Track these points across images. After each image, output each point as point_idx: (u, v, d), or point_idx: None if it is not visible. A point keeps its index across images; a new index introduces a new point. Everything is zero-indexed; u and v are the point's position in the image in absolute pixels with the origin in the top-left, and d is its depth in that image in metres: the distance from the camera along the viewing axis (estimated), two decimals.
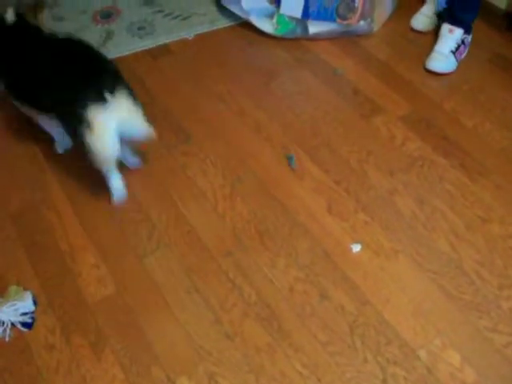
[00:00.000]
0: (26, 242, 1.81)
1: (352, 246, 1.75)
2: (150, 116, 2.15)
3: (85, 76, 1.72)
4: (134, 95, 1.77)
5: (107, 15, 2.69)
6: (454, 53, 2.31)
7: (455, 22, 2.30)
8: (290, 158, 1.96)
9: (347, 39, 2.49)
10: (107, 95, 1.66)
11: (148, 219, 1.85)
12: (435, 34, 2.39)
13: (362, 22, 2.44)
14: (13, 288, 1.68)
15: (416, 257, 1.72)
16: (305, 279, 1.68)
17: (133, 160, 1.98)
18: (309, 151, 2.03)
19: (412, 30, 2.52)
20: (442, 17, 2.36)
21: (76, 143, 1.90)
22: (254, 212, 1.85)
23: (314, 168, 1.98)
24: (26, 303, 1.63)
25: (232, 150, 2.06)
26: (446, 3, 2.40)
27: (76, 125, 1.70)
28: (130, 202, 1.90)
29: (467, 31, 2.34)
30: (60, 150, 2.08)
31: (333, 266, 1.71)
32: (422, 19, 2.50)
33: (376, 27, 2.49)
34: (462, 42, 2.33)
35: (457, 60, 2.33)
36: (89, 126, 1.66)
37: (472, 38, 2.39)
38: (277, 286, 1.67)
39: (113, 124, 1.69)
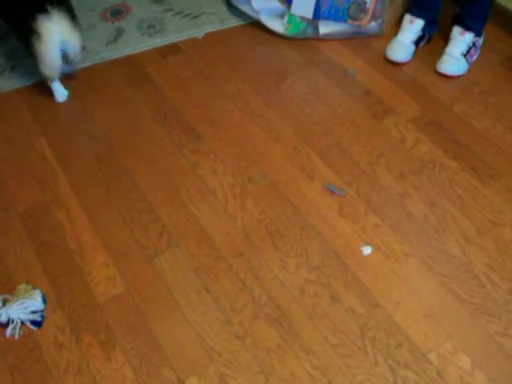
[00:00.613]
0: (36, 241, 1.81)
1: (363, 248, 1.75)
2: (160, 115, 2.18)
3: None
4: (73, 14, 2.08)
5: (117, 12, 2.69)
6: (465, 56, 2.30)
7: (466, 28, 2.30)
8: (331, 188, 1.91)
9: (358, 40, 2.48)
10: (49, 8, 1.97)
11: (158, 219, 1.84)
12: (446, 37, 2.37)
13: (373, 23, 2.43)
14: (22, 286, 1.68)
15: (427, 260, 1.72)
16: (315, 281, 1.67)
17: (67, 68, 2.24)
18: (319, 152, 2.03)
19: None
20: (453, 20, 2.35)
21: (29, 54, 2.12)
22: (265, 212, 1.85)
23: (324, 169, 1.97)
24: (35, 301, 1.63)
25: (242, 149, 2.05)
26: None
27: (26, 34, 2.01)
28: (140, 202, 1.89)
29: (478, 34, 2.33)
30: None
31: (344, 267, 1.70)
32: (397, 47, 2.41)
33: (387, 28, 2.48)
34: (473, 44, 2.32)
35: (468, 63, 2.32)
36: (36, 34, 1.98)
37: (483, 41, 2.38)
38: (287, 287, 1.66)
39: (55, 34, 2.00)
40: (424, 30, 2.37)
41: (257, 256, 1.74)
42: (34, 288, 1.68)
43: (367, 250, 1.74)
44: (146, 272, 1.72)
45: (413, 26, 2.36)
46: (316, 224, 1.81)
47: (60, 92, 2.27)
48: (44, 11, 1.97)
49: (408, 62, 2.38)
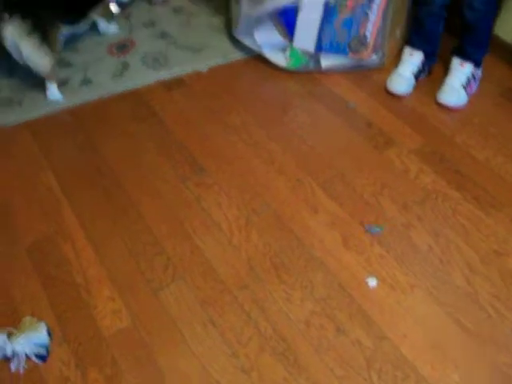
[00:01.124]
0: (42, 274, 1.81)
1: (368, 279, 1.75)
2: (164, 147, 2.20)
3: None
4: (31, 27, 2.26)
5: (122, 47, 2.74)
6: (464, 87, 2.33)
7: (465, 58, 2.33)
8: (370, 228, 1.91)
9: (359, 72, 2.52)
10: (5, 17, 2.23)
11: (163, 251, 1.85)
12: (446, 69, 2.41)
13: (373, 56, 2.47)
14: (27, 319, 1.68)
15: (432, 290, 1.72)
16: (321, 313, 1.67)
17: None
18: (323, 184, 2.04)
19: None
20: (453, 51, 2.39)
21: None
22: (270, 244, 1.86)
23: (328, 201, 1.98)
24: (40, 335, 1.63)
25: (246, 181, 2.07)
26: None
27: None
28: (145, 234, 1.90)
29: (477, 65, 2.37)
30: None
31: (349, 299, 1.70)
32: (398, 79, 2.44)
33: (387, 61, 2.52)
34: (473, 76, 2.36)
35: (468, 94, 2.35)
36: None
37: (482, 72, 2.41)
38: (293, 319, 1.66)
39: (9, 39, 2.27)
40: (424, 62, 2.41)
41: (262, 288, 1.74)
42: (40, 321, 1.67)
43: (372, 282, 1.75)
44: (152, 305, 1.72)
45: (413, 59, 2.40)
46: (320, 256, 1.82)
47: (50, 91, 2.46)
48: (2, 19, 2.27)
49: (408, 94, 2.41)
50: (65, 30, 2.53)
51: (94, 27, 2.83)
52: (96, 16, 2.73)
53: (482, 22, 2.25)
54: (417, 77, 2.42)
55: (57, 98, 2.47)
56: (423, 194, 2.00)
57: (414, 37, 2.42)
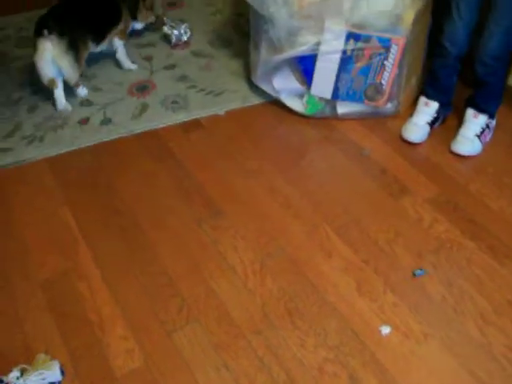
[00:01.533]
0: (56, 311, 1.83)
1: (381, 327, 1.75)
2: (182, 189, 2.23)
3: (48, 16, 2.54)
4: (68, 42, 2.51)
5: (142, 88, 2.80)
6: (478, 136, 2.36)
7: (479, 109, 2.37)
8: (417, 272, 1.93)
9: (374, 119, 2.56)
10: (45, 32, 2.46)
11: (178, 293, 1.86)
12: (460, 117, 2.45)
13: (389, 104, 2.52)
14: (41, 357, 1.69)
15: (446, 340, 1.72)
16: (334, 360, 1.67)
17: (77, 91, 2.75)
18: (337, 230, 2.06)
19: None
20: (467, 103, 2.43)
21: None
22: (284, 289, 1.86)
23: (342, 247, 2.00)
24: (53, 372, 1.63)
25: (262, 225, 2.09)
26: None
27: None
28: (160, 275, 1.92)
29: (491, 116, 2.40)
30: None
31: (362, 347, 1.70)
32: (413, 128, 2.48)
33: (403, 109, 2.56)
34: (487, 126, 2.39)
35: (482, 143, 2.38)
36: (34, 48, 2.52)
37: (497, 121, 2.45)
38: (306, 366, 1.66)
39: (47, 53, 2.49)
40: (438, 112, 2.45)
41: (276, 334, 1.74)
42: (53, 359, 1.68)
43: (386, 330, 1.75)
44: (165, 346, 1.72)
45: (428, 109, 2.44)
46: (334, 302, 1.82)
47: (59, 101, 2.66)
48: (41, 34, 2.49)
49: (423, 142, 2.45)
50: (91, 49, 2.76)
51: (114, 65, 2.93)
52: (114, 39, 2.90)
53: (494, 76, 2.29)
54: (431, 125, 2.46)
55: (84, 94, 2.75)
56: (437, 243, 2.01)
57: (429, 88, 2.46)
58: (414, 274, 1.90)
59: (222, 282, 1.89)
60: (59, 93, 2.65)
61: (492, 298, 1.84)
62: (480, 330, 1.75)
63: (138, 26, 3.06)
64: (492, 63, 2.22)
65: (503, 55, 2.23)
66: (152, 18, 3.11)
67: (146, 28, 3.13)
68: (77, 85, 2.71)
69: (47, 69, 2.55)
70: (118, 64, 2.94)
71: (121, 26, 2.88)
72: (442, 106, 2.45)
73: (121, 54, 2.92)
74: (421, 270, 1.91)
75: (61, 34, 2.49)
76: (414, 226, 2.07)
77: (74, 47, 2.55)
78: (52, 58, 2.51)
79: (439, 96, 2.44)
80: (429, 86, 2.47)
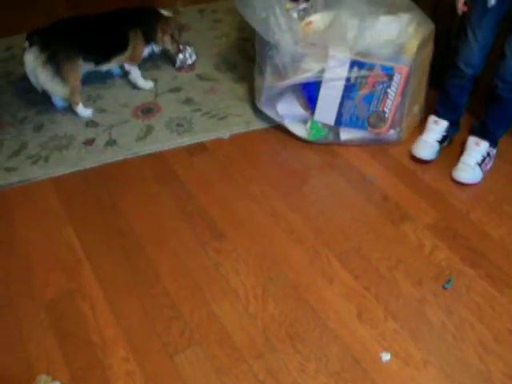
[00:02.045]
0: (58, 332, 1.84)
1: (382, 354, 1.76)
2: (185, 212, 2.25)
3: (36, 30, 2.63)
4: (49, 55, 2.58)
5: (148, 111, 2.84)
6: (479, 165, 2.39)
7: (483, 135, 2.40)
8: (446, 284, 1.98)
9: (376, 146, 2.59)
10: (27, 44, 2.60)
11: (180, 316, 1.87)
12: (462, 145, 2.48)
13: (391, 131, 2.55)
14: (42, 377, 1.70)
15: (445, 368, 1.73)
16: None
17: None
18: (339, 256, 2.08)
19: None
20: (471, 130, 2.47)
21: None
22: (285, 314, 1.88)
23: (343, 273, 2.01)
24: None
25: (264, 250, 2.11)
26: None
27: None
28: (163, 297, 1.93)
29: (493, 145, 2.43)
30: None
31: (362, 373, 1.71)
32: (423, 145, 2.52)
33: (405, 136, 2.59)
34: (488, 154, 2.42)
35: (482, 171, 2.40)
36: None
37: (497, 150, 2.48)
38: None
39: (29, 64, 2.63)
40: (448, 130, 2.50)
41: (276, 358, 1.75)
42: (54, 380, 1.69)
43: (386, 356, 1.76)
44: (166, 369, 1.73)
45: (437, 127, 2.49)
46: (335, 328, 1.84)
47: (79, 112, 2.79)
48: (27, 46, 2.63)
49: (432, 160, 2.48)
50: (87, 66, 2.82)
51: (119, 87, 2.97)
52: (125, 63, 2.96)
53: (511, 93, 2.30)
54: (441, 143, 2.50)
55: (86, 115, 2.80)
56: (438, 270, 2.03)
57: (440, 107, 2.50)
58: (445, 287, 1.96)
59: (224, 305, 1.91)
60: (80, 106, 2.79)
61: (492, 325, 1.85)
62: (479, 357, 1.76)
63: (156, 49, 3.06)
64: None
65: None
66: (172, 45, 3.07)
67: (164, 52, 3.15)
68: (73, 102, 2.76)
69: (34, 80, 2.68)
70: (127, 85, 2.98)
71: (128, 52, 2.89)
72: (451, 124, 2.49)
73: (133, 76, 2.98)
74: (448, 282, 1.97)
75: (42, 48, 2.58)
76: (414, 253, 2.09)
77: (54, 61, 2.60)
78: (34, 70, 2.63)
79: (449, 115, 2.48)
80: (440, 105, 2.51)
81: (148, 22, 2.94)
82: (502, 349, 1.78)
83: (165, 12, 3.01)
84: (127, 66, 2.96)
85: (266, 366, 1.73)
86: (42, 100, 2.80)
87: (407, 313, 1.88)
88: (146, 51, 3.01)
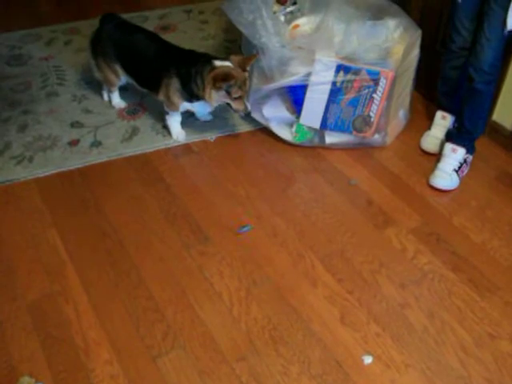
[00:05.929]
0: (42, 334, 1.83)
1: (364, 357, 1.77)
2: (170, 214, 2.25)
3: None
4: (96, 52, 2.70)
5: (133, 111, 2.83)
6: (456, 171, 2.41)
7: (461, 139, 2.43)
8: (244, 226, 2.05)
9: (361, 150, 2.61)
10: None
11: (164, 319, 1.87)
12: (440, 152, 2.50)
13: (376, 135, 2.57)
14: (25, 379, 1.69)
15: (426, 371, 1.74)
16: None
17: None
18: (323, 259, 2.09)
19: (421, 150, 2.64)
20: (447, 136, 2.50)
21: None
22: (269, 317, 1.88)
23: (327, 276, 2.03)
24: None
25: (248, 253, 2.11)
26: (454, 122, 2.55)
27: None
28: (146, 300, 1.93)
29: (469, 151, 2.46)
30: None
31: (344, 376, 1.72)
32: (430, 140, 2.62)
33: (389, 140, 2.61)
34: (465, 161, 2.44)
35: (459, 178, 2.43)
36: None
37: (476, 156, 2.50)
38: None
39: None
40: (454, 124, 2.57)
41: (260, 361, 1.76)
42: (37, 382, 1.68)
43: (368, 359, 1.77)
44: (150, 372, 1.73)
45: (444, 121, 2.58)
46: (318, 331, 1.85)
47: (114, 99, 2.87)
48: None
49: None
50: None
51: None
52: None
53: (488, 86, 2.31)
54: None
55: (122, 104, 2.87)
56: (420, 274, 2.05)
57: (443, 98, 2.60)
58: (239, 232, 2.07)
59: (208, 309, 1.91)
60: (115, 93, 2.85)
61: (472, 329, 1.87)
62: (460, 361, 1.78)
63: (202, 109, 2.62)
64: (488, 71, 2.24)
65: (499, 63, 2.27)
66: (239, 106, 2.43)
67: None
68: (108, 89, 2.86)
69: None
70: None
71: (160, 96, 2.55)
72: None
73: (167, 122, 2.67)
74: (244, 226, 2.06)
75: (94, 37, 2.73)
76: (397, 257, 2.11)
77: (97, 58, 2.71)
78: None
79: (453, 103, 2.53)
80: (442, 95, 2.59)
81: (188, 71, 2.41)
82: (483, 353, 1.80)
83: (220, 62, 2.38)
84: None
85: (249, 369, 1.73)
86: (27, 100, 2.78)
87: (389, 316, 1.90)
88: (188, 105, 2.56)
